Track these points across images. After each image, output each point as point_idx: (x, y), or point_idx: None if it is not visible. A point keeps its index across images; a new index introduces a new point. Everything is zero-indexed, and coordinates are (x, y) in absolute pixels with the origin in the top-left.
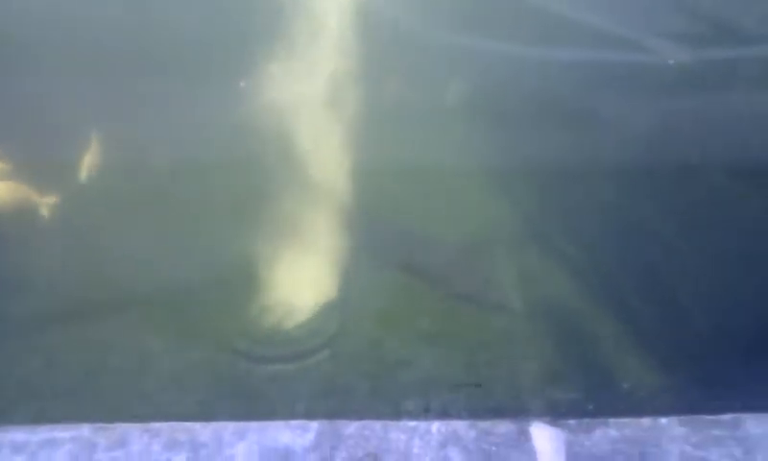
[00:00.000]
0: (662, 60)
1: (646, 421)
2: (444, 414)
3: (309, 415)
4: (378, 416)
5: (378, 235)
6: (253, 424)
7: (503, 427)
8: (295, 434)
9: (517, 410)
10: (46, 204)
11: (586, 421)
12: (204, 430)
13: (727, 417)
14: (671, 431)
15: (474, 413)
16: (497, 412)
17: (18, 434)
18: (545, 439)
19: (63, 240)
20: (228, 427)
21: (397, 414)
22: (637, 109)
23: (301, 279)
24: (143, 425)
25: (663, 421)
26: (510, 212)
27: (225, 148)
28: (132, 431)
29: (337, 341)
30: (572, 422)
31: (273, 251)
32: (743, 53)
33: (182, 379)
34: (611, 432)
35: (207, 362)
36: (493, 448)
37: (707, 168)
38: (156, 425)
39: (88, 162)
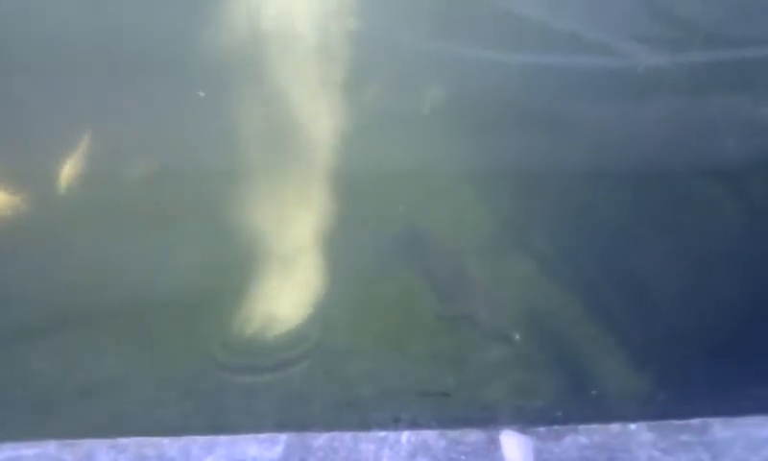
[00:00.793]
0: (637, 65)
1: (615, 427)
2: (413, 424)
3: (278, 428)
4: (348, 427)
5: (353, 244)
6: (222, 438)
7: (473, 436)
8: (263, 447)
9: (487, 419)
10: (7, 215)
11: (555, 428)
12: (172, 445)
13: (695, 422)
14: (640, 437)
15: (444, 423)
16: (467, 421)
17: None
18: (514, 447)
19: (27, 251)
20: (197, 442)
21: (367, 425)
22: (613, 113)
23: (270, 293)
24: (110, 441)
25: (632, 426)
26: (479, 216)
27: (200, 155)
28: (99, 447)
29: (307, 354)
30: (541, 429)
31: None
32: (718, 56)
33: (151, 394)
34: (580, 439)
35: (176, 377)
36: (462, 458)
37: (682, 171)
38: (124, 441)
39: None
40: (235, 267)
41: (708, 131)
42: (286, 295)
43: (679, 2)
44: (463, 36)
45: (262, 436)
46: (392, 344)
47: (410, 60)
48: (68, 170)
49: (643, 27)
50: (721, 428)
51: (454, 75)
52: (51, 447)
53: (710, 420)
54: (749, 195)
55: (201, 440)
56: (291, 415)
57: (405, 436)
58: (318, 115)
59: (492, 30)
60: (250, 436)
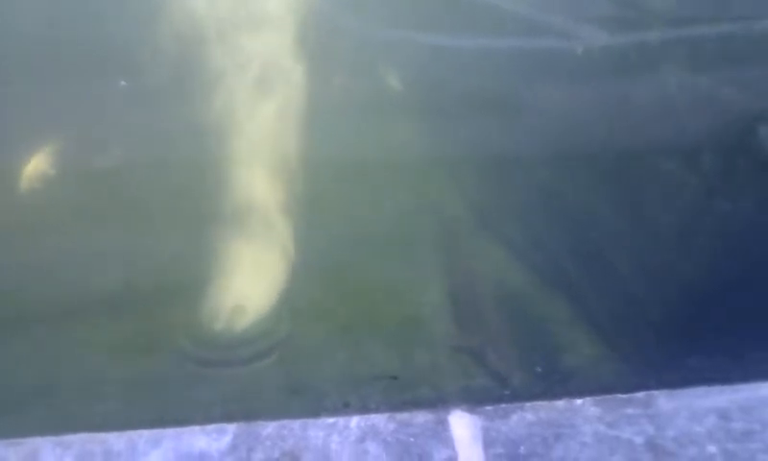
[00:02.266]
0: (587, 46)
1: (561, 403)
2: (363, 409)
3: (227, 419)
4: (298, 415)
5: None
6: (169, 431)
7: (421, 418)
8: (211, 438)
9: (436, 400)
10: None
11: (503, 406)
12: (117, 440)
13: (640, 395)
14: (586, 412)
15: (394, 406)
16: (417, 404)
17: None
18: (463, 427)
19: None
20: (143, 436)
21: (317, 412)
22: (563, 94)
23: (216, 283)
24: (55, 439)
25: (578, 402)
26: (433, 199)
27: (167, 147)
28: (44, 445)
29: (254, 342)
30: (489, 408)
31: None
32: (669, 35)
33: (95, 390)
34: (527, 416)
35: (120, 371)
36: (411, 440)
37: (637, 150)
38: (69, 438)
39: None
40: (178, 257)
41: (663, 110)
42: (233, 285)
43: None
44: (414, 22)
45: (210, 427)
46: (340, 329)
47: (362, 47)
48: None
49: (596, 8)
50: (665, 400)
51: (407, 61)
52: None
53: (655, 392)
54: (703, 173)
55: (147, 434)
56: (239, 405)
57: (354, 421)
58: (274, 104)
59: (446, 15)
60: (197, 428)
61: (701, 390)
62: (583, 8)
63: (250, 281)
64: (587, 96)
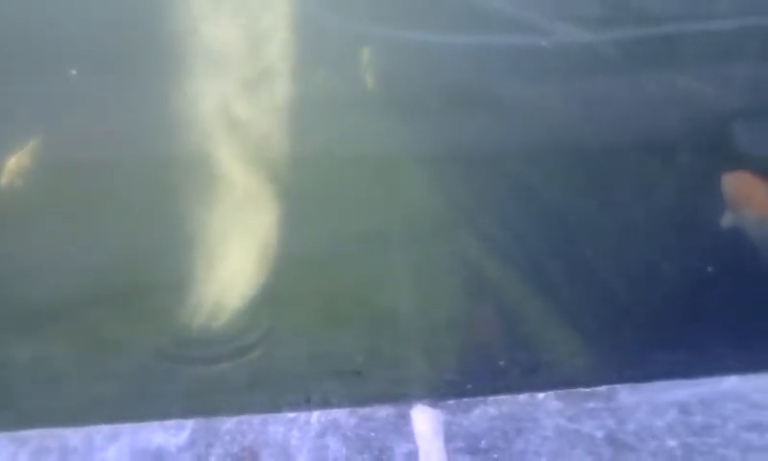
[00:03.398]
0: (567, 43)
1: (524, 397)
2: (324, 403)
3: (186, 414)
4: (259, 410)
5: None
6: (127, 427)
7: (383, 412)
8: (169, 434)
9: (399, 395)
10: None
11: (465, 400)
12: (74, 435)
13: (602, 389)
14: (547, 406)
15: (356, 401)
16: (379, 398)
17: None
18: (424, 421)
19: None
20: (101, 431)
21: (278, 407)
22: (544, 91)
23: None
24: (10, 435)
25: (540, 396)
26: (406, 195)
27: (146, 144)
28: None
29: (215, 337)
30: (451, 402)
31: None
32: (647, 32)
33: (51, 384)
34: (489, 410)
35: (77, 365)
36: (372, 434)
37: (611, 147)
38: (25, 434)
39: None
40: (135, 254)
41: (640, 108)
42: (193, 280)
43: None
44: (394, 19)
45: (168, 423)
46: (303, 324)
47: (342, 43)
48: None
49: (575, 6)
50: (627, 394)
51: (386, 57)
52: None
53: (617, 386)
54: (674, 169)
55: (104, 429)
56: (199, 401)
57: (315, 416)
58: (249, 101)
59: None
60: (155, 423)
61: (662, 384)
62: (561, 5)
63: (213, 278)
64: (565, 93)
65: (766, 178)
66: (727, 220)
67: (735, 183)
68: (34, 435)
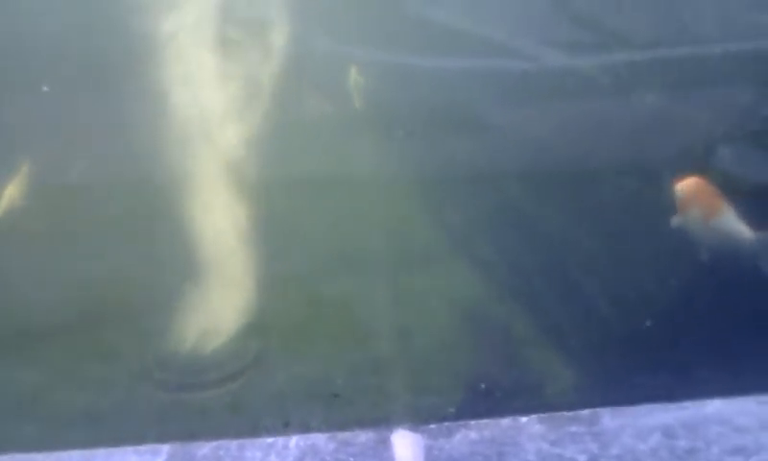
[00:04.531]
0: (551, 67)
1: (506, 421)
2: (303, 427)
3: (163, 439)
4: (237, 435)
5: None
6: (100, 451)
7: (363, 437)
8: (143, 459)
9: (379, 419)
10: None
11: (446, 424)
12: (45, 460)
13: (585, 412)
14: (530, 430)
15: (335, 425)
16: (359, 422)
17: None
18: (405, 446)
19: None
20: (73, 456)
21: (256, 431)
22: (529, 115)
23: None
24: None
25: (523, 419)
26: (387, 217)
27: (133, 166)
28: None
29: (192, 360)
30: (433, 426)
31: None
32: (631, 57)
33: (24, 408)
34: (470, 434)
35: (51, 389)
36: (351, 459)
37: (599, 169)
38: None
39: None
40: (111, 278)
41: (625, 131)
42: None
43: (591, 6)
44: (382, 43)
45: (143, 448)
46: (281, 346)
47: (327, 66)
48: None
49: (559, 31)
50: (609, 418)
51: (375, 81)
52: None
53: (600, 410)
54: (658, 192)
55: (77, 454)
56: (176, 425)
57: (294, 441)
58: (235, 123)
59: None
60: (129, 448)
61: (646, 408)
62: (546, 31)
63: (191, 303)
64: (550, 116)
65: (717, 183)
66: (675, 223)
67: (685, 188)
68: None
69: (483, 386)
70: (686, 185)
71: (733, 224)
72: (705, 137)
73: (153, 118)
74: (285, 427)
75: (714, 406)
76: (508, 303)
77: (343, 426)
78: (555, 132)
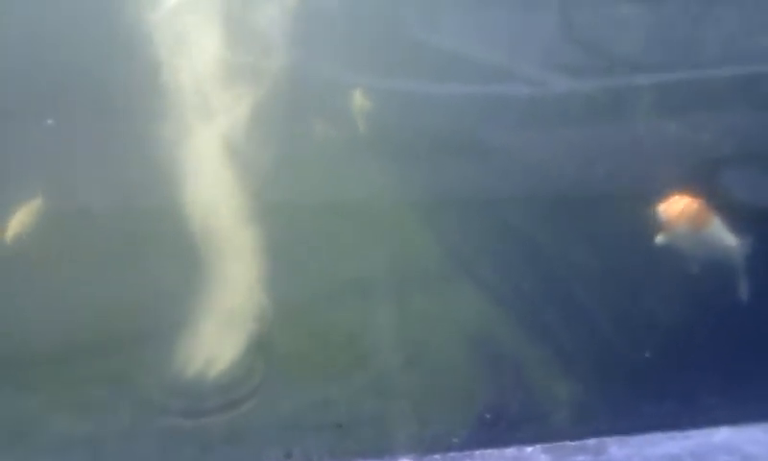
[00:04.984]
0: (554, 92)
1: (511, 451)
2: (306, 459)
3: None
4: None
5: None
6: None
7: None
8: None
9: (382, 449)
10: None
11: (450, 455)
12: None
13: (591, 441)
14: (535, 459)
15: (337, 455)
16: (362, 453)
17: None
18: None
19: None
20: None
21: None
22: (532, 139)
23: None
24: None
25: (528, 449)
26: (391, 244)
27: (138, 193)
28: None
29: (194, 390)
30: (437, 456)
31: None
32: (633, 81)
33: (24, 439)
34: None
35: (54, 421)
36: None
37: (599, 194)
38: None
39: None
40: (110, 308)
41: (628, 155)
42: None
43: (594, 31)
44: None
45: None
46: (284, 376)
47: (333, 93)
48: None
49: (563, 55)
50: (617, 448)
51: (377, 106)
52: None
53: (606, 439)
54: (652, 218)
55: None
56: (176, 455)
57: None
58: (243, 151)
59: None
60: None
61: (653, 436)
62: (550, 55)
63: (193, 332)
64: (554, 140)
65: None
66: (662, 239)
67: (668, 206)
68: None
69: (487, 416)
70: (672, 203)
71: (722, 234)
72: (709, 159)
73: (150, 147)
74: (287, 459)
75: (722, 435)
76: (513, 332)
77: (345, 457)
78: (561, 155)
